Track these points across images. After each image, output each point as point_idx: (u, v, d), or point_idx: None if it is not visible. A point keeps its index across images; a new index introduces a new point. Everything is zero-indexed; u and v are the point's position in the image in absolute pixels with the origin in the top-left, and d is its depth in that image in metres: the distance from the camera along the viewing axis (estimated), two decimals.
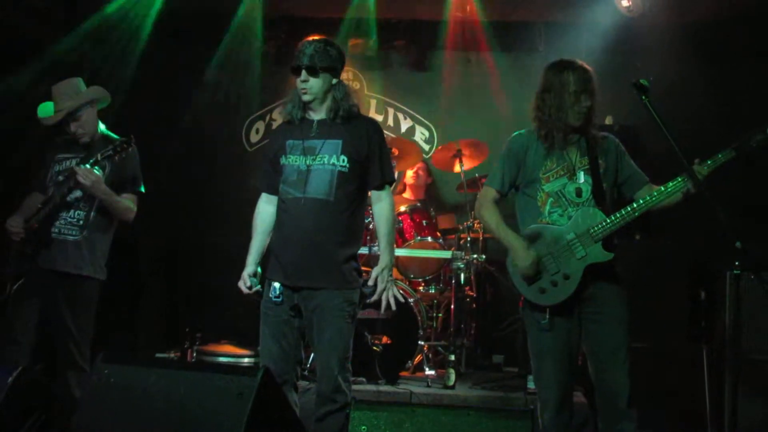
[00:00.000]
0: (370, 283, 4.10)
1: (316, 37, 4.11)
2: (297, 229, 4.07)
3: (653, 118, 3.76)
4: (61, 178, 4.93)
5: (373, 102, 8.34)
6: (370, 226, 6.12)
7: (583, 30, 7.64)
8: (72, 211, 4.92)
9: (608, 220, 3.99)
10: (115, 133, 5.11)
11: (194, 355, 6.49)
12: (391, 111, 8.37)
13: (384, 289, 4.07)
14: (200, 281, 7.87)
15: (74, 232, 4.91)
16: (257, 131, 8.47)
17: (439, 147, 7.75)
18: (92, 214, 4.95)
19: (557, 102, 4.04)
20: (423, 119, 8.36)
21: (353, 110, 4.13)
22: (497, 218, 4.21)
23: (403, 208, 6.93)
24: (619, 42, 7.40)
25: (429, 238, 6.90)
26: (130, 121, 5.71)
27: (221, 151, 8.30)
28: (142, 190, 5.11)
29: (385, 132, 6.13)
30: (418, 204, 7.22)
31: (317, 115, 4.15)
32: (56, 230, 4.89)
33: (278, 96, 8.28)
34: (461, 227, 7.13)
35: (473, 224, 7.00)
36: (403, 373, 6.15)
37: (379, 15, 7.93)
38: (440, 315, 7.01)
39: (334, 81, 4.11)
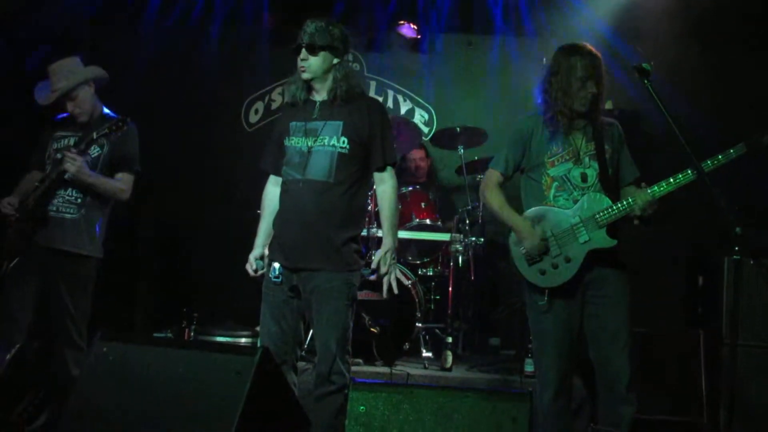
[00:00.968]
0: (373, 266, 4.10)
1: (320, 18, 4.07)
2: (296, 210, 4.07)
3: (655, 103, 3.75)
4: (59, 155, 4.91)
5: (373, 84, 8.30)
6: (368, 209, 6.11)
7: (586, 14, 7.60)
8: (69, 189, 4.91)
9: (614, 207, 3.99)
10: (114, 112, 5.09)
11: (191, 334, 6.49)
12: (390, 93, 8.34)
13: (386, 273, 4.06)
14: (198, 261, 7.87)
15: (72, 210, 4.90)
16: (256, 111, 8.44)
17: (437, 131, 7.73)
18: (89, 192, 4.94)
19: (563, 86, 4.03)
20: (422, 101, 8.34)
21: (355, 91, 4.11)
22: (501, 200, 4.22)
23: (402, 190, 6.91)
24: (622, 26, 7.37)
25: (428, 221, 6.89)
26: (129, 101, 5.69)
27: (220, 131, 8.27)
28: (138, 169, 5.09)
29: None
30: (417, 186, 7.21)
31: (320, 96, 4.14)
32: (54, 208, 4.88)
33: (278, 77, 8.24)
34: (460, 210, 7.12)
35: (472, 207, 6.99)
36: (401, 355, 6.15)
37: None
38: (438, 297, 7.00)
39: (335, 61, 4.08)
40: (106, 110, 5.11)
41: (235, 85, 8.31)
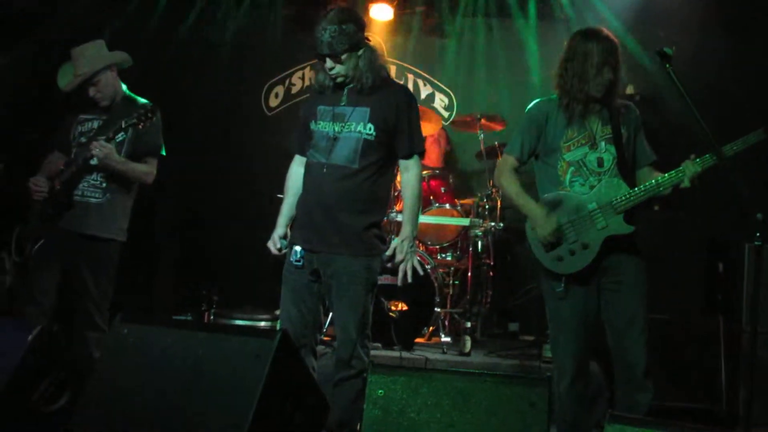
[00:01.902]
0: (389, 253, 4.09)
1: (328, 14, 3.98)
2: (319, 194, 4.06)
3: (676, 87, 3.71)
4: (83, 139, 4.93)
5: (393, 68, 8.28)
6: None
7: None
8: (95, 174, 4.92)
9: (632, 193, 3.96)
10: (137, 95, 5.11)
11: (211, 317, 6.53)
12: (411, 77, 8.34)
13: (402, 260, 4.05)
14: (218, 245, 7.91)
15: (97, 195, 4.92)
16: (276, 95, 8.46)
17: (457, 115, 7.72)
18: (114, 176, 4.96)
19: (579, 72, 3.98)
20: (443, 86, 8.32)
21: (381, 76, 4.07)
22: (517, 186, 4.18)
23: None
24: (644, 11, 7.32)
25: (447, 205, 6.88)
26: (150, 85, 5.71)
27: (240, 115, 8.30)
28: (163, 153, 5.12)
29: None
30: (437, 171, 7.21)
31: (348, 82, 4.11)
32: (79, 192, 4.90)
33: (298, 61, 8.26)
34: (479, 195, 7.11)
35: (491, 192, 6.98)
36: (419, 340, 6.17)
37: None
38: (457, 282, 7.00)
39: (360, 53, 4.03)
40: (127, 92, 5.12)
41: (255, 69, 8.33)
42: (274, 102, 8.46)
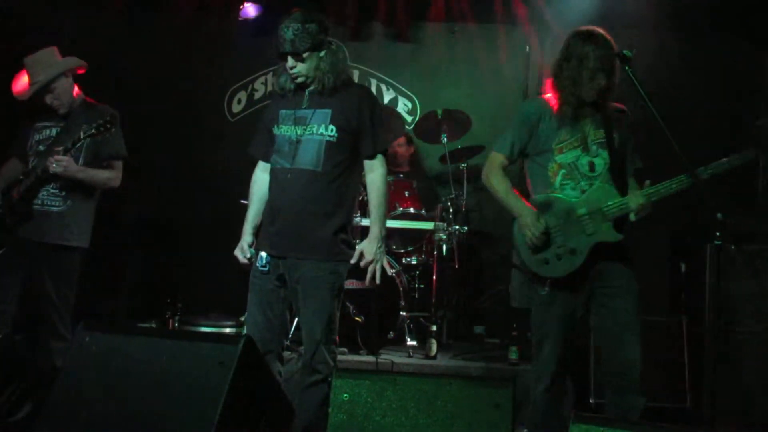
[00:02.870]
0: (356, 255, 4.08)
1: (292, 14, 3.96)
2: (284, 199, 4.05)
3: (636, 90, 3.73)
4: (41, 147, 4.88)
5: (356, 73, 8.28)
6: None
7: (569, 1, 7.59)
8: (53, 183, 4.88)
9: (623, 201, 3.92)
10: (95, 100, 5.07)
11: (175, 324, 6.48)
12: (374, 82, 8.33)
13: (371, 262, 4.05)
14: (183, 251, 7.86)
15: (57, 203, 4.89)
16: (239, 101, 8.41)
17: (421, 116, 7.73)
18: (75, 183, 4.91)
19: (573, 74, 3.93)
20: (406, 90, 8.33)
21: (342, 77, 4.06)
22: (506, 186, 4.13)
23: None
24: (603, 14, 7.37)
25: (411, 209, 6.89)
26: (111, 90, 5.67)
27: (203, 121, 8.24)
28: (126, 155, 5.07)
29: None
30: (401, 175, 7.21)
31: (309, 85, 4.10)
32: (39, 201, 4.86)
33: (260, 66, 8.23)
34: (444, 198, 7.12)
35: (456, 195, 7.00)
36: (385, 344, 6.16)
37: None
38: (422, 286, 7.01)
39: (321, 54, 4.03)
40: (84, 97, 5.07)
41: (218, 75, 8.28)
42: (237, 108, 8.41)
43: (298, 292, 4.01)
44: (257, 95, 8.35)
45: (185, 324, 6.47)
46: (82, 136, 4.68)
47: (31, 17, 7.13)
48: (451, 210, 6.96)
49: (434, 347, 5.94)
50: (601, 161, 4.01)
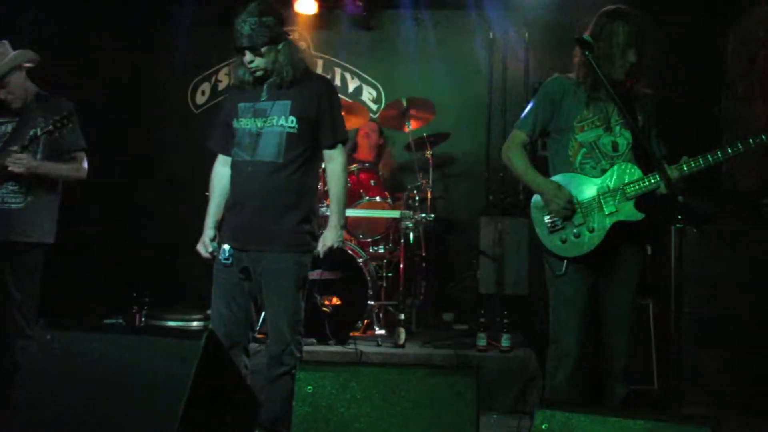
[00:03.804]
0: (319, 246, 4.09)
1: (248, 7, 3.92)
2: (247, 192, 4.05)
3: (596, 75, 3.72)
4: None
5: (320, 62, 8.26)
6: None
7: None
8: (13, 181, 4.81)
9: (646, 180, 3.86)
10: (52, 93, 5.00)
11: (142, 319, 6.44)
12: (338, 71, 8.30)
13: (330, 248, 4.08)
14: (147, 245, 7.80)
15: (18, 200, 4.82)
16: (203, 93, 8.36)
17: (386, 104, 7.72)
18: (35, 179, 4.85)
19: (602, 52, 3.85)
20: (370, 79, 8.31)
21: (300, 69, 4.05)
22: (526, 162, 4.07)
23: (351, 168, 6.90)
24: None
25: (377, 198, 6.87)
26: (71, 82, 5.60)
27: (166, 113, 8.18)
28: (85, 146, 5.02)
29: None
30: (367, 164, 7.20)
31: (268, 78, 4.07)
32: None
33: (224, 57, 8.17)
34: (410, 186, 7.12)
35: (421, 183, 7.00)
36: (354, 333, 6.16)
37: None
38: (390, 275, 7.00)
39: (279, 47, 4.01)
40: (37, 90, 5.00)
41: (181, 66, 8.21)
42: (200, 99, 8.36)
43: (263, 284, 4.01)
44: (221, 86, 8.31)
45: (152, 318, 6.42)
46: (39, 133, 4.63)
47: None
48: (417, 198, 6.96)
49: (403, 336, 5.94)
50: (625, 141, 3.96)
